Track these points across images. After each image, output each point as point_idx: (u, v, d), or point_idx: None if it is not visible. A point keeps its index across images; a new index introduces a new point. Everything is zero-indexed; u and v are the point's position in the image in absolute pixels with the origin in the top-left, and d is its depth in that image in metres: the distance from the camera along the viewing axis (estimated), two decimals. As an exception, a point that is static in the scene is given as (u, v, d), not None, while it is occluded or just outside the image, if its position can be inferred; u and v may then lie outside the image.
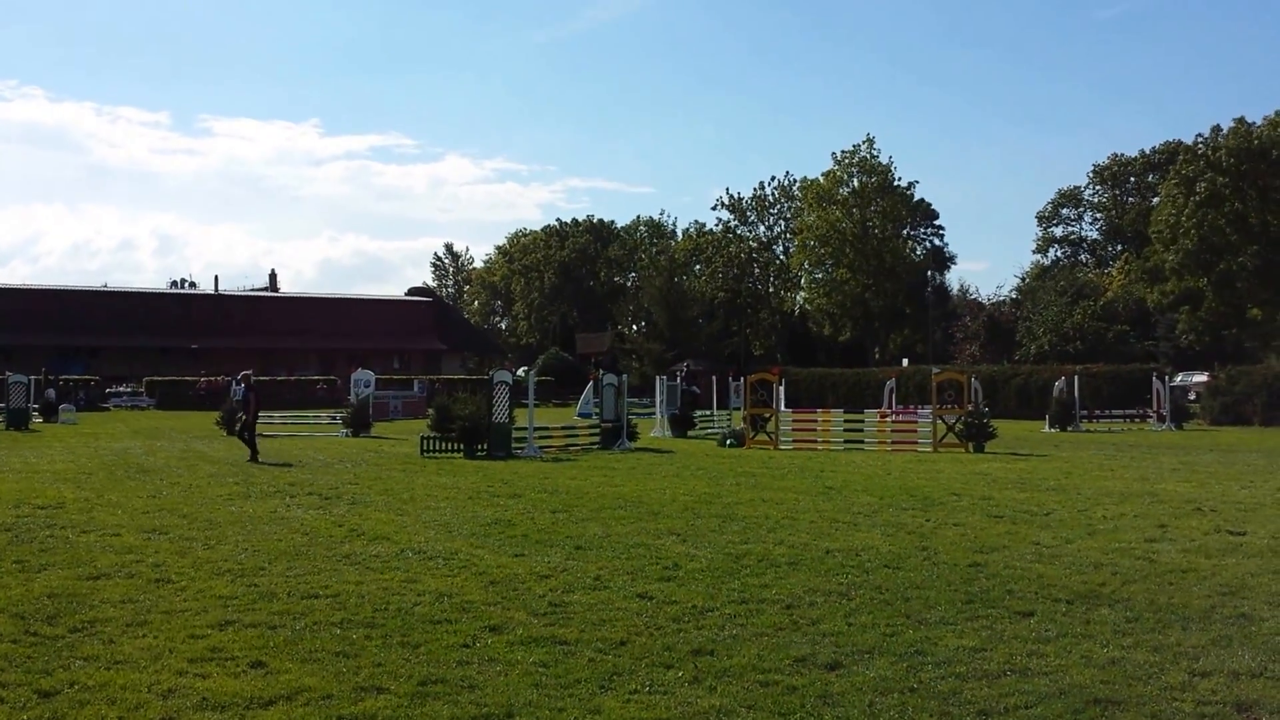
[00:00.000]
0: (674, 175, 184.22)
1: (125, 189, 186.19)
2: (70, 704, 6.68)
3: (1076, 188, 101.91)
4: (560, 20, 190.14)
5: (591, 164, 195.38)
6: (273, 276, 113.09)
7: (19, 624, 8.67)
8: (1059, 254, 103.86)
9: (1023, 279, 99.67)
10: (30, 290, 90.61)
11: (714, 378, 45.88)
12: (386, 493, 18.25)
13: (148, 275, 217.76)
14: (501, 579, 10.50)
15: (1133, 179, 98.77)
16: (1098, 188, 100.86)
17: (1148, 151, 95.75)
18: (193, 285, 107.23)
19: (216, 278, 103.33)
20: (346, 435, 36.29)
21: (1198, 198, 69.75)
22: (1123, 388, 48.74)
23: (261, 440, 32.16)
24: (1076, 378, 42.12)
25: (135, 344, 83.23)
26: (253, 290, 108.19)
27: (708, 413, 41.50)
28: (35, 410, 45.39)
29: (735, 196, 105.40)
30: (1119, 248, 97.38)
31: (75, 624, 8.69)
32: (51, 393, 50.51)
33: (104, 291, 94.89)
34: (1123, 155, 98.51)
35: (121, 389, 70.51)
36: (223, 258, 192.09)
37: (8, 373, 43.63)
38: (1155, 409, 42.64)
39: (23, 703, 6.70)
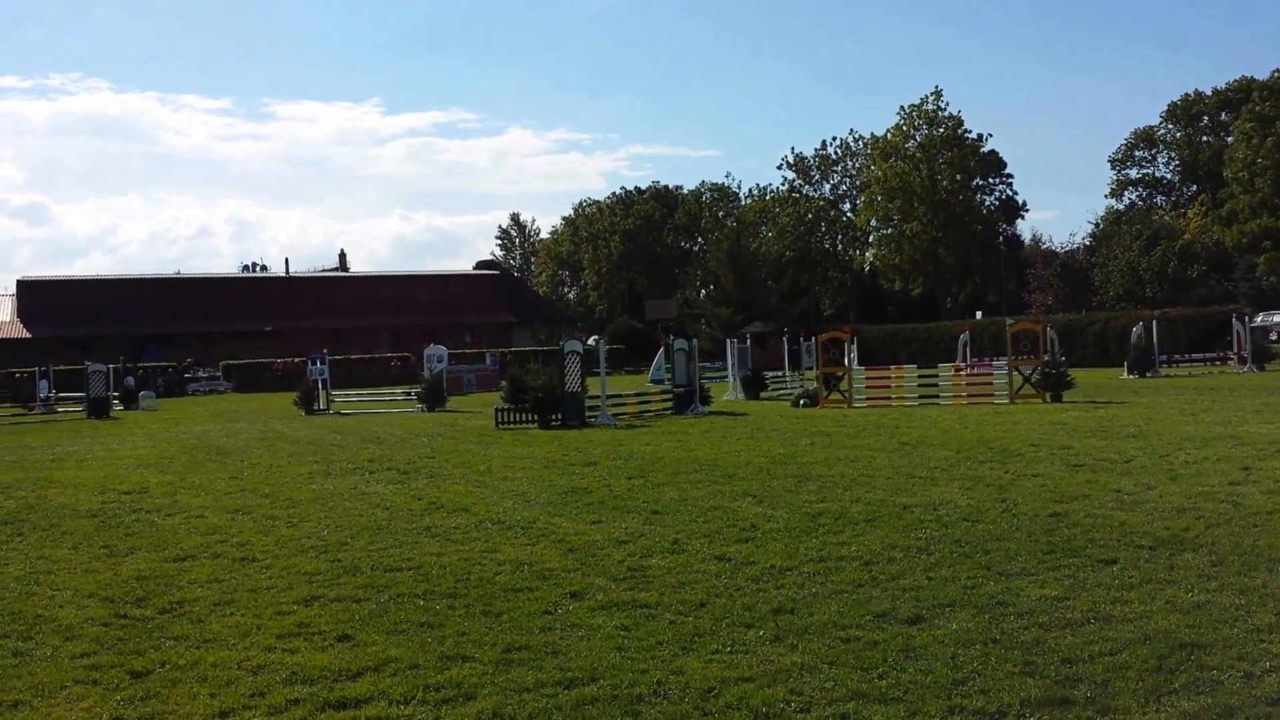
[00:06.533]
0: (738, 138, 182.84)
1: (195, 176, 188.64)
2: (162, 683, 6.82)
3: (1150, 127, 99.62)
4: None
5: (654, 131, 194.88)
6: (342, 256, 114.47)
7: (109, 607, 8.87)
8: (1134, 197, 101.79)
9: (1097, 225, 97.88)
10: (106, 280, 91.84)
11: (784, 338, 45.53)
12: (464, 465, 18.40)
13: (225, 260, 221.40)
14: (580, 546, 10.57)
15: (1206, 117, 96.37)
16: (1171, 127, 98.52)
17: (1221, 88, 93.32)
18: (264, 269, 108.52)
19: (287, 260, 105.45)
20: (422, 410, 36.61)
21: (1274, 137, 68.06)
22: (1202, 331, 47.87)
23: (340, 418, 32.47)
24: (1155, 323, 41.42)
25: (210, 329, 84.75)
26: (323, 271, 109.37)
27: (779, 374, 41.29)
28: (115, 398, 46.53)
29: (799, 155, 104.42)
30: (1194, 188, 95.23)
31: (164, 605, 8.87)
32: (130, 380, 51.59)
33: (178, 279, 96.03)
34: (1197, 92, 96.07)
35: (200, 373, 71.85)
36: (297, 240, 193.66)
37: (87, 362, 44.67)
38: (1236, 351, 41.83)
39: (116, 683, 6.85)
